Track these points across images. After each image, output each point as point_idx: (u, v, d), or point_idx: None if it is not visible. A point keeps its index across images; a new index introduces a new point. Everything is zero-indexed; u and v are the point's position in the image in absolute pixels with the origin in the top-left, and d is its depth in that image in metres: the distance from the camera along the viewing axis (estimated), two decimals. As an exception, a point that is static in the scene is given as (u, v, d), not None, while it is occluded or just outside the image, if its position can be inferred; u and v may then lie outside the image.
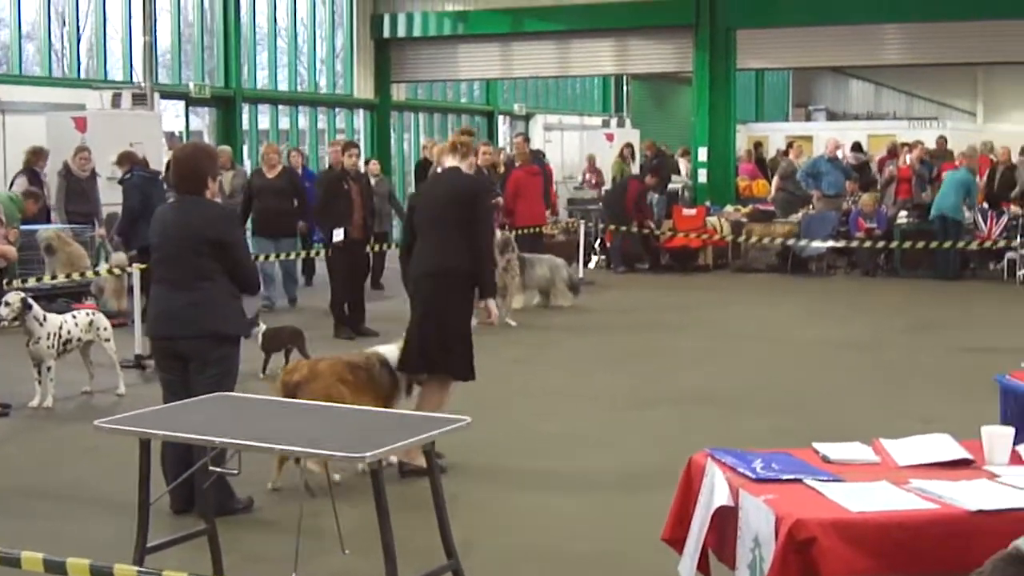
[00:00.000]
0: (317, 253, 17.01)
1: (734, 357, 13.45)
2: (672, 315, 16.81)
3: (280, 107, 26.72)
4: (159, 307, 7.41)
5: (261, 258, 16.00)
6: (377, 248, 17.15)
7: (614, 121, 34.04)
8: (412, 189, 24.98)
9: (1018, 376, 5.18)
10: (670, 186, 25.58)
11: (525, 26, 26.83)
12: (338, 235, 14.57)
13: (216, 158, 8.05)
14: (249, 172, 18.65)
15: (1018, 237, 19.97)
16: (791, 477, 4.55)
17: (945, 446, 4.98)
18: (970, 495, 4.33)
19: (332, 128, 27.70)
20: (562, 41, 27.23)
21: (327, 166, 17.00)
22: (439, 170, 9.29)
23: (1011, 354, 12.99)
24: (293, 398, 7.61)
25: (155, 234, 7.49)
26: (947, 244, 19.80)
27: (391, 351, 8.60)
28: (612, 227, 21.87)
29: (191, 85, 23.56)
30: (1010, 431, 4.86)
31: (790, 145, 26.26)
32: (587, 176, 27.67)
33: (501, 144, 29.83)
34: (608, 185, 25.74)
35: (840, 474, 4.67)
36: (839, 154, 23.51)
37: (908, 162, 23.64)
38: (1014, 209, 21.03)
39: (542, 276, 16.95)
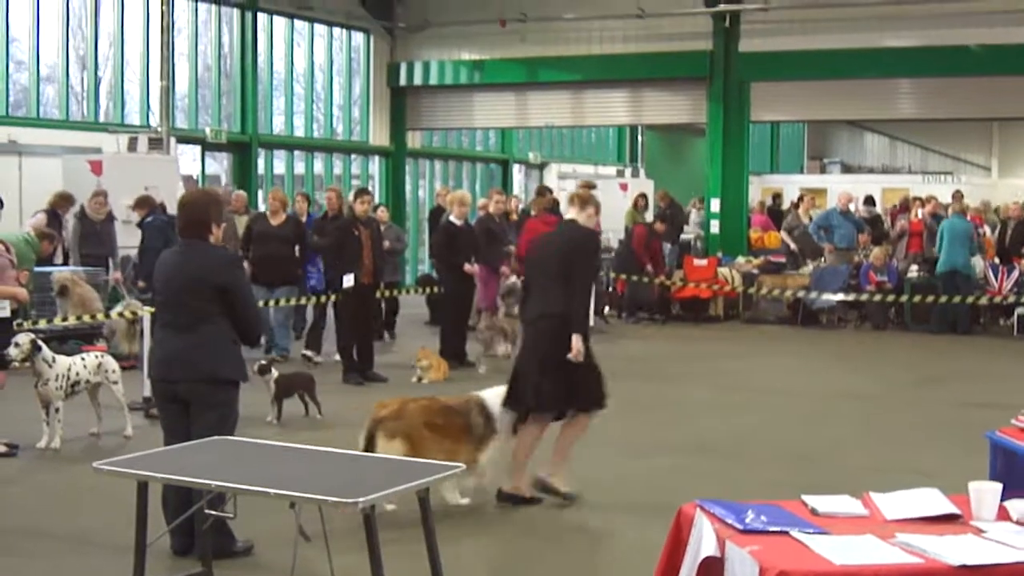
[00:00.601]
0: (309, 300, 16.83)
1: (740, 408, 13.48)
2: (680, 365, 16.86)
3: (296, 152, 26.89)
4: (161, 350, 7.52)
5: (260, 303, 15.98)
6: (388, 295, 17.19)
7: (628, 171, 34.16)
8: (426, 236, 25.10)
9: (1008, 432, 5.22)
10: (682, 237, 25.69)
11: (540, 76, 27.01)
12: (348, 280, 14.66)
13: (222, 204, 8.11)
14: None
15: (1029, 293, 20.01)
16: (778, 529, 4.60)
17: (933, 501, 5.02)
18: (955, 550, 4.37)
19: (348, 174, 27.87)
20: (577, 91, 27.40)
21: (323, 213, 17.13)
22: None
23: (1015, 410, 13.04)
24: (374, 433, 8.26)
25: (159, 278, 7.58)
26: (957, 298, 19.81)
27: (492, 396, 8.94)
28: (623, 276, 21.94)
29: (207, 130, 23.76)
30: (997, 487, 4.90)
31: (800, 199, 26.32)
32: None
33: (516, 192, 29.97)
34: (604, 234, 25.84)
35: (827, 527, 4.71)
36: (851, 207, 23.57)
37: (920, 216, 23.69)
38: (1025, 264, 21.06)
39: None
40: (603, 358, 16.75)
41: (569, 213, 9.27)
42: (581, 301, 9.04)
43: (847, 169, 39.14)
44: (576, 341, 8.79)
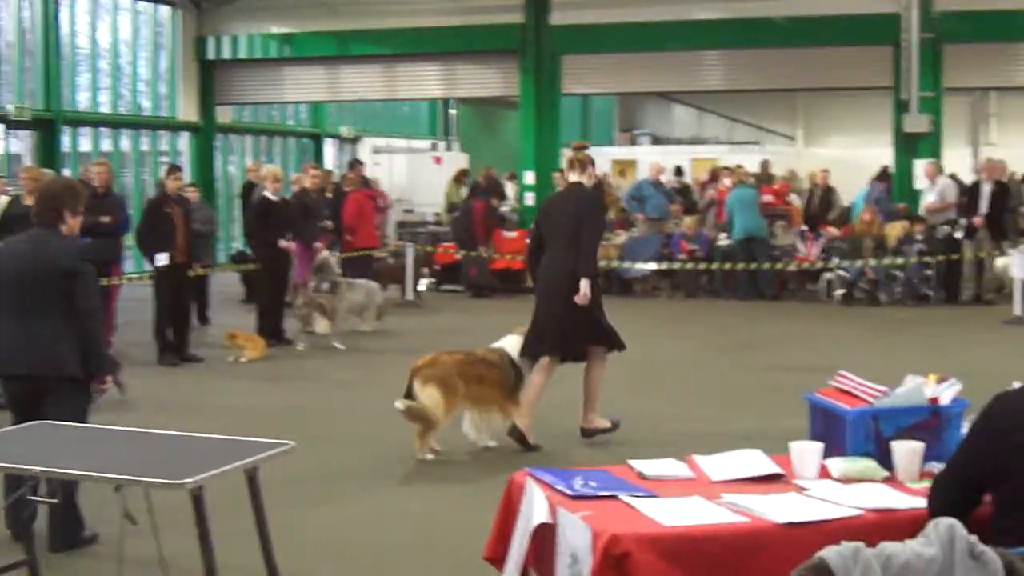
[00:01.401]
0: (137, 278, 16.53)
1: (557, 377, 13.55)
2: (497, 336, 16.88)
3: (102, 130, 26.25)
4: (3, 342, 7.15)
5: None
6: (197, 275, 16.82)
7: (442, 144, 34.14)
8: (238, 212, 24.73)
9: (826, 393, 5.36)
10: (499, 210, 25.76)
11: (352, 49, 26.81)
12: (161, 259, 14.38)
13: (80, 194, 7.59)
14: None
15: (835, 258, 20.56)
16: (607, 494, 4.65)
17: (756, 461, 5.13)
18: (779, 508, 4.47)
19: (156, 151, 27.32)
20: (389, 64, 27.27)
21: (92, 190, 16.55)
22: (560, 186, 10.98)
23: (828, 372, 13.39)
24: (411, 382, 9.24)
25: (0, 268, 7.23)
26: (766, 265, 20.29)
27: (513, 345, 10.01)
28: (465, 253, 21.96)
29: (10, 107, 23.05)
30: (818, 446, 5.03)
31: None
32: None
33: (329, 167, 29.73)
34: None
35: (655, 490, 4.77)
36: (662, 178, 23.93)
37: (727, 185, 24.15)
38: (831, 231, 21.63)
39: (358, 301, 16.88)
40: (417, 332, 16.95)
41: (571, 176, 10.18)
42: (591, 253, 9.97)
43: (657, 140, 39.54)
44: (584, 286, 9.70)
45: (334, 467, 9.40)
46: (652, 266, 21.53)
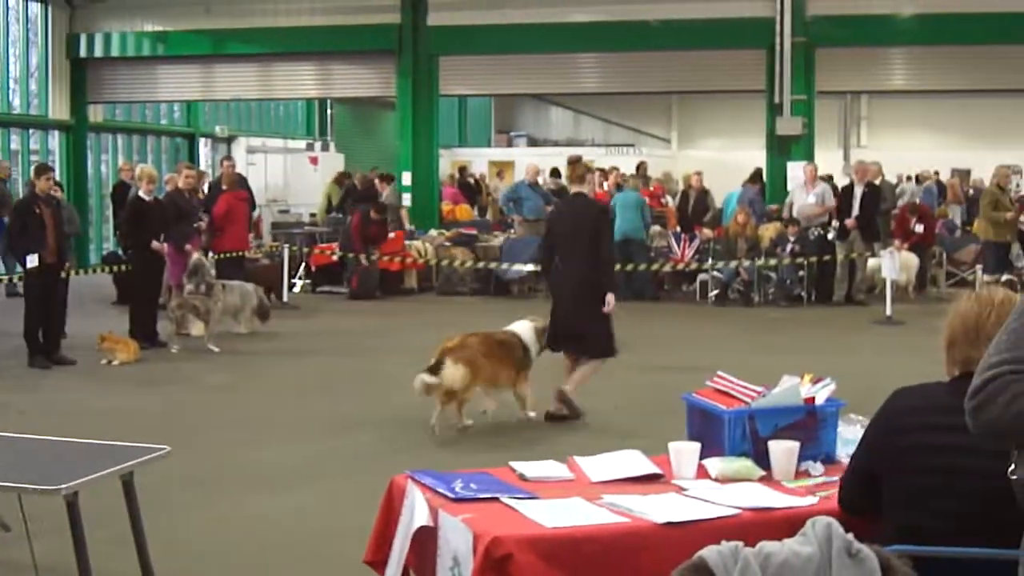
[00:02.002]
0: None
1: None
2: (377, 339, 16.86)
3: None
4: None
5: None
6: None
7: (318, 145, 33.94)
8: (109, 212, 24.33)
9: (703, 393, 5.40)
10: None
11: (227, 48, 26.55)
12: (32, 261, 14.10)
13: None
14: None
15: (710, 259, 20.79)
16: (489, 496, 4.63)
17: (636, 462, 5.15)
18: (659, 508, 4.49)
19: (26, 149, 26.79)
20: (265, 64, 27.05)
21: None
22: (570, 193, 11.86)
23: (703, 371, 13.51)
24: (442, 360, 10.16)
25: None
26: (643, 266, 20.45)
27: (527, 331, 11.02)
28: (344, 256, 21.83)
29: None
30: (696, 446, 5.07)
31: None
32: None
33: (203, 166, 29.39)
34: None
35: (536, 491, 4.77)
36: (540, 179, 24.01)
37: (606, 188, 24.30)
38: (706, 232, 21.87)
39: (232, 303, 16.68)
40: (297, 335, 16.81)
41: (573, 188, 11.46)
42: (610, 265, 11.72)
43: (533, 142, 39.77)
44: (610, 299, 11.07)
45: (210, 471, 9.29)
46: (531, 267, 21.56)
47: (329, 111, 35.47)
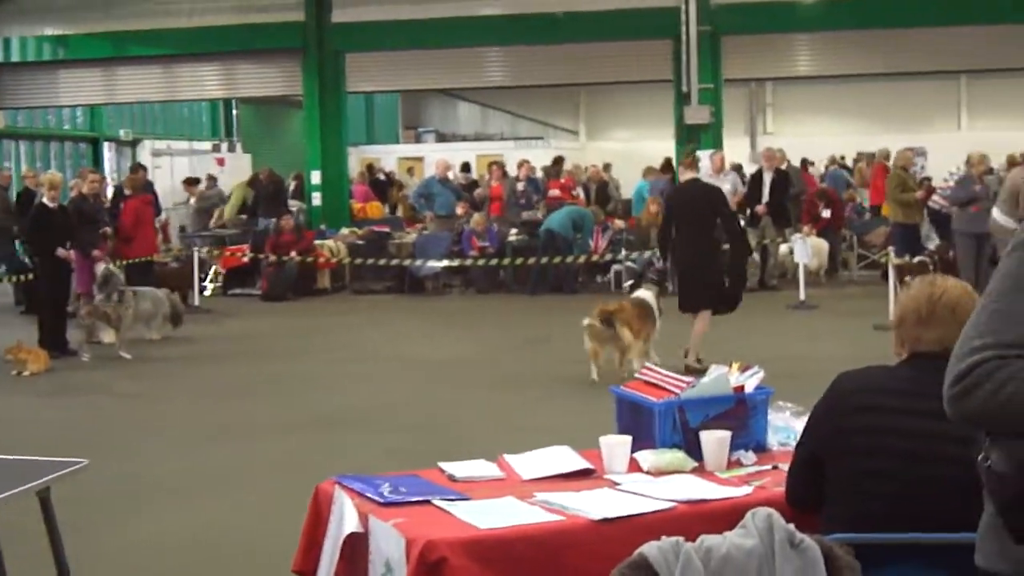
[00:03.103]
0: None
1: (356, 379, 13.44)
2: (292, 340, 16.69)
3: None
4: None
5: None
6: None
7: (224, 146, 33.57)
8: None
9: (632, 386, 5.34)
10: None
11: (129, 50, 26.17)
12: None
13: None
14: None
15: (623, 250, 20.81)
16: (419, 499, 4.53)
17: (566, 458, 5.08)
18: (593, 505, 4.42)
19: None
20: (168, 65, 26.70)
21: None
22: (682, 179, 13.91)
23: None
24: (611, 320, 12.43)
25: None
26: (556, 259, 20.41)
27: (651, 297, 13.07)
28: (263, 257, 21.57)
29: None
30: (627, 439, 5.00)
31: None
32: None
33: (108, 171, 28.98)
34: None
35: (467, 492, 4.68)
36: (450, 175, 23.91)
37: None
38: (618, 223, 21.89)
39: (145, 310, 16.39)
40: (211, 339, 16.58)
41: (687, 175, 13.48)
42: (739, 230, 13.97)
43: (442, 138, 39.62)
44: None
45: (129, 481, 9.08)
46: (445, 263, 21.48)
47: (234, 111, 35.11)
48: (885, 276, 18.35)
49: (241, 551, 7.40)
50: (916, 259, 17.06)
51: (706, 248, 13.03)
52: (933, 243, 19.94)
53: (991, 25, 23.46)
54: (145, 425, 11.34)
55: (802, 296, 18.15)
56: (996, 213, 14.95)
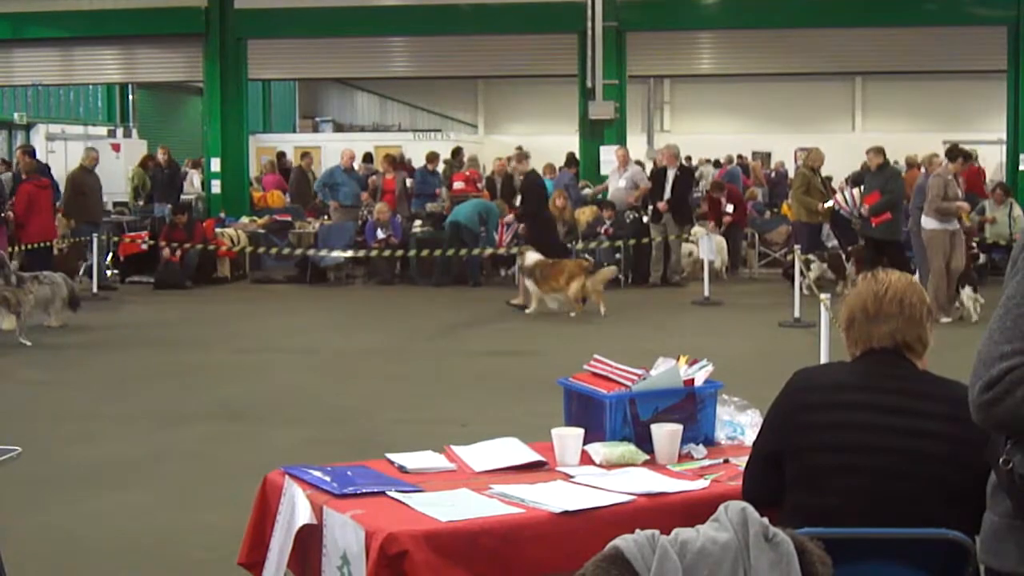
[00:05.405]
0: None
1: (261, 369, 13.26)
2: (194, 329, 16.45)
3: None
4: None
5: None
6: None
7: (120, 131, 33.05)
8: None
9: (581, 378, 5.31)
10: (183, 198, 25.01)
11: (26, 32, 25.65)
12: None
13: None
14: None
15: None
16: (375, 490, 4.46)
17: (516, 450, 5.03)
18: (551, 497, 4.38)
19: None
20: (65, 48, 26.20)
21: None
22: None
23: (530, 356, 13.54)
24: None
25: None
26: (463, 252, 20.34)
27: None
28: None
29: None
30: (579, 432, 4.96)
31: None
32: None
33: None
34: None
35: (419, 484, 4.61)
36: (354, 165, 23.74)
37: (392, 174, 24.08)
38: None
39: (43, 295, 16.03)
40: (111, 327, 16.28)
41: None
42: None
43: (339, 128, 39.42)
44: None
45: (42, 469, 8.85)
46: (348, 253, 21.32)
47: (131, 96, 34.55)
48: (786, 274, 18.59)
49: (160, 541, 7.22)
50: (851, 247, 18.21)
51: None
52: (833, 242, 20.23)
53: (888, 28, 23.87)
54: (51, 412, 11.07)
55: (706, 292, 18.27)
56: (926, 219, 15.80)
